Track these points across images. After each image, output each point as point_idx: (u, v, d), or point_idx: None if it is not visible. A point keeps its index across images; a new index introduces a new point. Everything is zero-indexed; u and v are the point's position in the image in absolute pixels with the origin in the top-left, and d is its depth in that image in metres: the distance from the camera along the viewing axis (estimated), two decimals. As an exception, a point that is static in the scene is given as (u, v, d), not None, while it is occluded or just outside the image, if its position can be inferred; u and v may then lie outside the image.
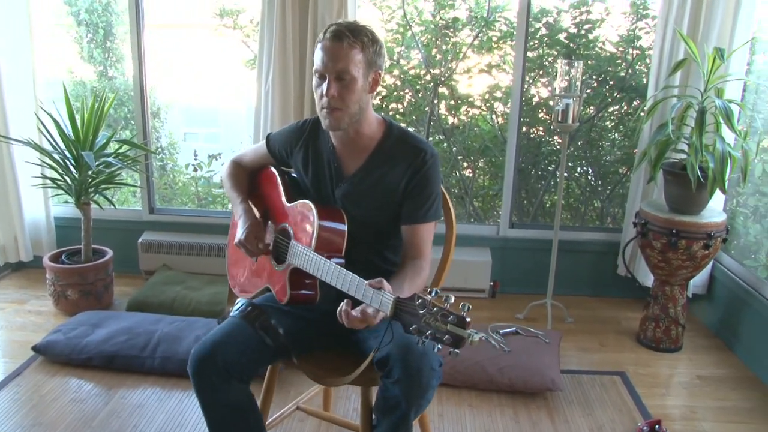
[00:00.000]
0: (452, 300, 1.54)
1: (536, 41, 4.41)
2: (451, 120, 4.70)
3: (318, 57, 1.96)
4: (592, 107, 4.48)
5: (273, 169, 2.30)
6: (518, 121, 4.10)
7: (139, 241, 4.26)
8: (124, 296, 3.99)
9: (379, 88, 2.06)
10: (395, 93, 4.63)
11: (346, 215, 2.06)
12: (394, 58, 4.51)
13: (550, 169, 4.65)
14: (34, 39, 4.00)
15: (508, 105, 4.26)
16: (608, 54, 4.43)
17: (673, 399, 3.11)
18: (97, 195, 3.80)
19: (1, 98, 3.88)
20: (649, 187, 3.83)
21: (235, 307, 2.09)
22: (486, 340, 1.55)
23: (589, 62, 4.34)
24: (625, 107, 4.50)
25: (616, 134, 4.68)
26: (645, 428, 2.78)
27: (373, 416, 1.96)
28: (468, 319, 1.51)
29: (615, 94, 4.45)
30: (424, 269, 2.03)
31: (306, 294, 2.06)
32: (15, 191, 4.07)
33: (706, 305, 3.92)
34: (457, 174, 4.80)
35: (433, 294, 1.57)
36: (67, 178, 3.71)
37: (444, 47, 4.54)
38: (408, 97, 4.67)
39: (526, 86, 4.18)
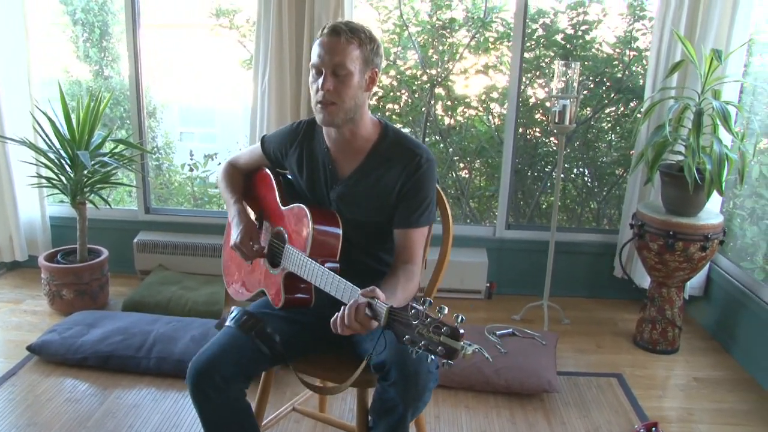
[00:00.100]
0: (446, 311, 1.52)
1: (533, 42, 4.40)
2: (447, 121, 4.69)
3: (315, 52, 1.95)
4: (588, 108, 4.48)
5: (268, 171, 2.29)
6: (515, 122, 4.10)
7: (135, 240, 4.25)
8: (120, 296, 3.97)
9: (376, 89, 2.06)
10: (392, 93, 4.63)
11: (340, 217, 2.05)
12: (391, 58, 4.50)
13: (547, 170, 4.65)
14: (29, 38, 3.99)
15: (505, 106, 4.26)
16: (605, 55, 4.43)
17: (670, 401, 3.10)
18: (92, 194, 3.79)
19: (-3, 97, 3.88)
20: (646, 189, 3.83)
21: (231, 316, 2.08)
22: (479, 352, 1.51)
23: (585, 63, 4.34)
24: (622, 108, 4.51)
25: (612, 135, 4.68)
26: (642, 430, 2.78)
27: (369, 418, 1.96)
28: (462, 331, 1.49)
29: (612, 95, 4.45)
30: (416, 274, 2.02)
31: (301, 298, 2.05)
32: (10, 190, 4.05)
33: (702, 307, 3.92)
34: (454, 175, 4.79)
35: (427, 304, 1.55)
36: (63, 178, 3.70)
37: (441, 48, 4.54)
38: (404, 97, 4.66)
39: (522, 87, 4.18)
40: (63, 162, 3.66)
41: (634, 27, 4.31)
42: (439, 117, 4.67)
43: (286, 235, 2.09)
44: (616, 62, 4.43)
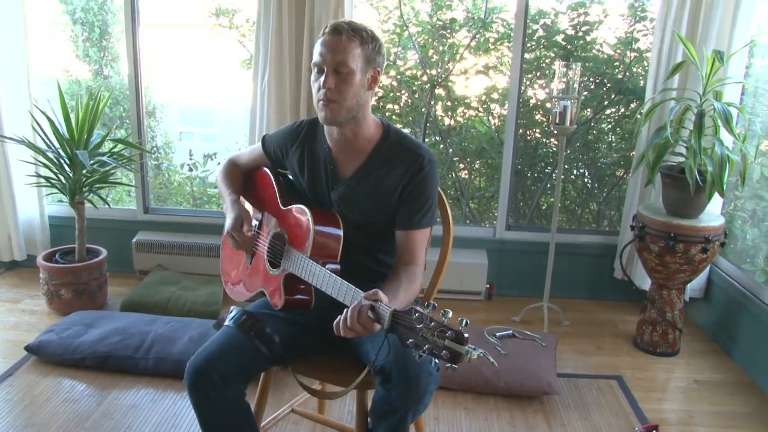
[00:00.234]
0: (450, 314, 1.51)
1: (533, 43, 4.39)
2: (447, 121, 4.69)
3: (317, 51, 1.94)
4: (589, 109, 4.47)
5: (267, 170, 2.27)
6: (515, 123, 4.09)
7: (134, 240, 4.24)
8: (118, 296, 3.96)
9: (376, 89, 2.04)
10: (392, 94, 4.62)
11: (341, 218, 2.04)
12: (391, 58, 4.49)
13: (547, 171, 4.64)
14: (29, 37, 3.98)
15: (505, 107, 4.25)
16: (606, 56, 4.42)
17: (670, 403, 3.09)
18: (91, 194, 3.78)
19: (-4, 96, 3.87)
20: (647, 190, 3.82)
21: (230, 316, 2.07)
22: (485, 357, 1.50)
23: (586, 64, 4.33)
24: (623, 110, 4.50)
25: (612, 137, 4.67)
26: (642, 433, 2.78)
27: (369, 420, 1.95)
28: (466, 335, 1.47)
29: (612, 96, 4.44)
30: (418, 276, 2.01)
31: (301, 299, 2.04)
32: (9, 190, 4.05)
33: (703, 309, 3.91)
34: (454, 175, 4.79)
35: (431, 307, 1.54)
36: (62, 177, 3.69)
37: (441, 48, 4.53)
38: (404, 98, 4.65)
39: (523, 88, 4.17)
40: (62, 161, 3.65)
41: (635, 28, 4.30)
42: (439, 117, 4.66)
43: (286, 236, 2.07)
44: (617, 63, 4.42)
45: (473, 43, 4.44)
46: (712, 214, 3.46)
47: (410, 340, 1.53)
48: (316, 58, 1.94)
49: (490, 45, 4.44)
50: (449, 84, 4.54)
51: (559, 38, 4.37)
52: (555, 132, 3.95)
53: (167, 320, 3.45)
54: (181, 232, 4.30)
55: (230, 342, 1.98)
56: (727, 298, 3.66)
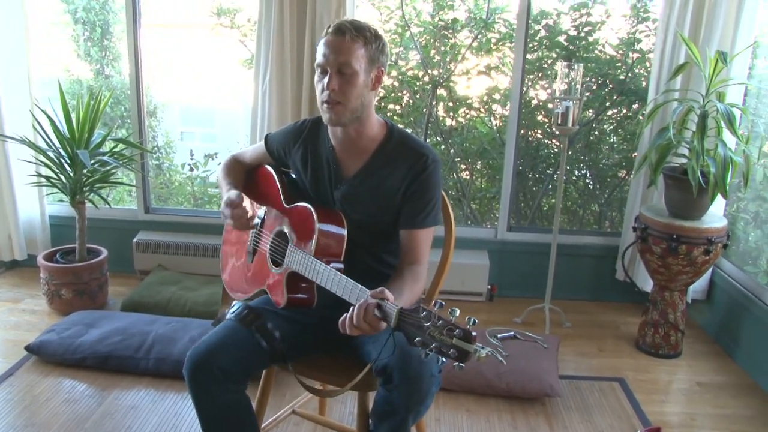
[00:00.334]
0: (458, 313, 1.50)
1: (536, 43, 4.39)
2: (449, 122, 4.68)
3: (320, 51, 1.94)
4: (591, 110, 4.46)
5: (270, 169, 2.26)
6: (517, 124, 4.07)
7: (135, 240, 4.23)
8: (119, 296, 3.96)
9: (379, 88, 2.04)
10: (393, 94, 4.61)
11: (344, 217, 2.03)
12: (393, 59, 4.48)
13: (548, 172, 4.63)
14: (30, 37, 3.98)
15: (507, 107, 4.24)
16: (608, 57, 4.41)
17: (672, 406, 3.08)
18: (92, 194, 3.77)
19: (-4, 95, 3.86)
20: (649, 192, 3.81)
21: (231, 310, 2.06)
22: (492, 356, 1.49)
23: (588, 65, 4.32)
24: (624, 111, 4.49)
25: (614, 138, 4.66)
26: (644, 435, 2.77)
27: (370, 421, 1.94)
28: (474, 334, 1.47)
29: (614, 97, 4.43)
30: (422, 275, 2.00)
31: (303, 298, 2.03)
32: (9, 189, 4.04)
33: (705, 311, 3.90)
34: (455, 176, 4.78)
35: (438, 306, 1.53)
36: (62, 177, 3.68)
37: (443, 48, 4.52)
38: (406, 98, 4.65)
39: (525, 89, 4.16)
40: (62, 161, 3.64)
41: (638, 29, 4.30)
42: (441, 118, 4.66)
43: (289, 234, 2.06)
44: (620, 64, 4.41)
45: (475, 44, 4.43)
46: (715, 215, 3.45)
47: (417, 338, 1.53)
48: (319, 58, 1.93)
49: (492, 45, 4.43)
50: (451, 84, 4.53)
51: (562, 39, 4.37)
52: (557, 133, 3.94)
53: (168, 320, 3.44)
54: (181, 232, 4.29)
55: (231, 335, 1.97)
56: (730, 300, 3.64)
